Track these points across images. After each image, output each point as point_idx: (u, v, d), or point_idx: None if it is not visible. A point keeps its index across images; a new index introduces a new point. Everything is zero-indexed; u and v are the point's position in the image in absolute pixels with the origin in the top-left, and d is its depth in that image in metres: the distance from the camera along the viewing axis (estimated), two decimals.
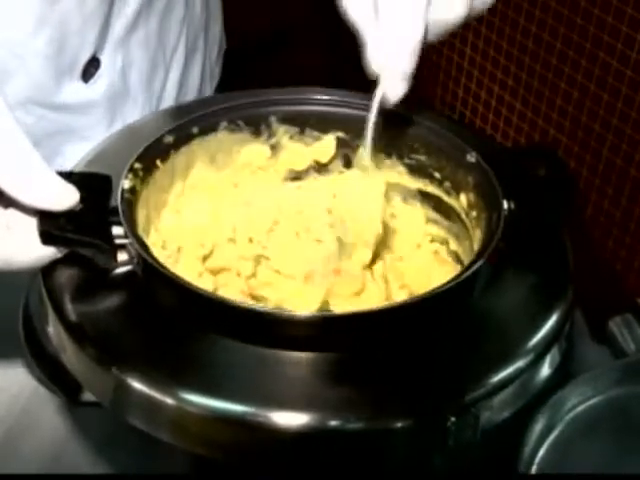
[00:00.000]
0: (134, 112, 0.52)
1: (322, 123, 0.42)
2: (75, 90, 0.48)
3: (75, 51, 0.47)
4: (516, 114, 0.92)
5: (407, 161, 0.42)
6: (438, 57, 1.00)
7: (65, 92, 0.48)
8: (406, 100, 0.36)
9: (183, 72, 0.56)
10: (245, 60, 0.88)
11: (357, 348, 0.33)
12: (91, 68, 0.49)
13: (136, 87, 0.52)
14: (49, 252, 0.33)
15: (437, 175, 0.41)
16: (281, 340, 0.32)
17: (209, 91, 0.62)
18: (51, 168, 0.32)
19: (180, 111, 0.44)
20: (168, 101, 0.56)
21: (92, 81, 0.49)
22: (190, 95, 0.59)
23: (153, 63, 0.53)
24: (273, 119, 0.42)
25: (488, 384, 0.31)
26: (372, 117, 0.37)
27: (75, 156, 0.44)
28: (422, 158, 0.41)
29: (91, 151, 0.41)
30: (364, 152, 0.38)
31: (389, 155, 0.42)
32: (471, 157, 0.39)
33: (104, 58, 0.49)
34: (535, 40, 0.86)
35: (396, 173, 0.42)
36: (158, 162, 0.39)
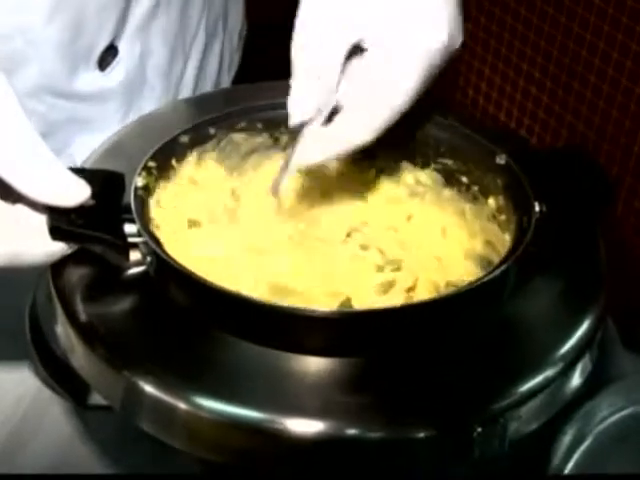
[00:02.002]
0: (151, 102, 0.52)
1: None
2: (90, 79, 0.48)
3: (91, 38, 0.47)
4: (542, 108, 0.91)
5: (434, 166, 0.42)
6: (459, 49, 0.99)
7: (80, 81, 0.48)
8: (429, 100, 0.37)
9: (202, 59, 0.56)
10: (266, 42, 0.88)
11: (377, 353, 0.33)
12: (108, 56, 0.49)
13: (154, 76, 0.52)
14: (58, 248, 0.33)
15: (465, 180, 0.41)
16: (299, 343, 0.32)
17: (227, 80, 0.61)
18: (62, 163, 0.32)
19: (199, 103, 0.45)
20: (186, 90, 0.56)
21: (109, 70, 0.49)
22: (208, 84, 0.58)
23: (173, 51, 0.53)
24: None
25: (516, 393, 0.32)
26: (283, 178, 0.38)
27: (87, 146, 0.44)
28: (449, 162, 0.42)
29: (105, 142, 0.42)
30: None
31: (414, 163, 0.43)
32: (500, 159, 0.39)
33: (122, 46, 0.49)
34: (564, 31, 0.85)
35: (421, 187, 0.42)
36: (173, 162, 0.39)
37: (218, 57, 0.59)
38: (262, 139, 0.42)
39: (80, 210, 0.32)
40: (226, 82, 0.62)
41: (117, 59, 0.49)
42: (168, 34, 0.52)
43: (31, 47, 0.45)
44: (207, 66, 0.58)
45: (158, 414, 0.32)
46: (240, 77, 0.63)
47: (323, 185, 0.42)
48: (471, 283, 0.33)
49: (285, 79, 0.38)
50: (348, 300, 0.36)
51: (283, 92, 0.41)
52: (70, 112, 0.49)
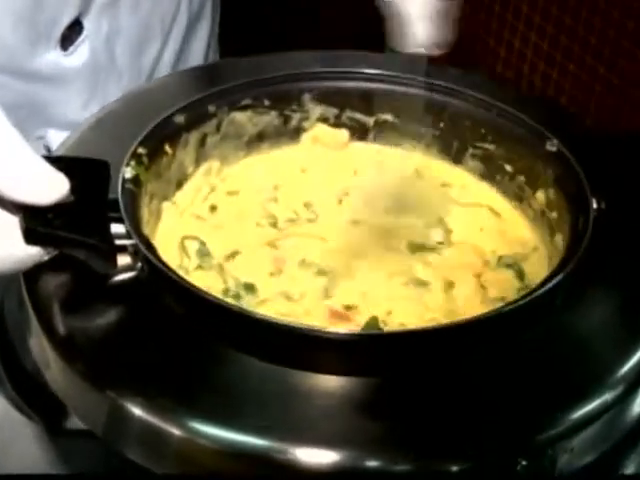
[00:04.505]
0: (118, 87, 0.53)
1: (366, 102, 0.43)
2: (50, 58, 0.49)
3: (54, 11, 0.48)
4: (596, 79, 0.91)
5: (472, 151, 0.42)
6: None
7: (38, 59, 0.49)
8: (466, 75, 0.37)
9: (183, 44, 0.57)
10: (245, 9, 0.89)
11: (403, 372, 0.33)
12: (72, 34, 0.50)
13: (123, 60, 0.53)
14: (34, 253, 0.33)
15: (508, 168, 0.41)
16: (312, 361, 0.33)
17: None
18: (36, 152, 0.32)
19: (196, 75, 0.45)
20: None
21: (72, 49, 0.50)
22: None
23: (145, 32, 0.54)
24: (307, 97, 0.43)
25: (567, 420, 0.32)
26: None
27: (40, 135, 0.45)
28: (490, 147, 0.42)
29: (84, 123, 0.42)
30: None
31: (448, 148, 0.43)
32: (551, 145, 0.39)
33: (88, 23, 0.50)
34: None
35: (454, 176, 0.43)
36: (167, 147, 0.40)
37: (205, 41, 0.60)
38: (270, 118, 0.43)
39: (58, 208, 0.32)
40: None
41: (82, 37, 0.50)
42: (139, 11, 0.53)
43: None
44: (190, 51, 0.59)
45: (147, 441, 0.32)
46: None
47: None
48: (516, 300, 0.34)
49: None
50: (374, 320, 0.36)
51: (291, 64, 0.42)
52: (24, 95, 0.49)
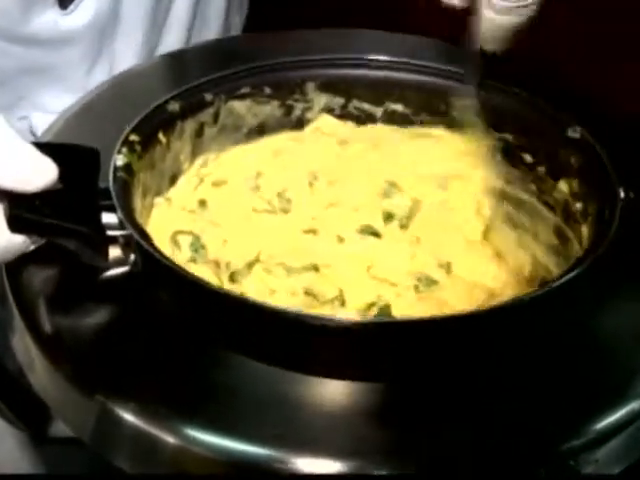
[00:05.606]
0: (126, 49, 0.52)
1: (374, 91, 0.43)
2: (49, 19, 0.49)
3: None
4: None
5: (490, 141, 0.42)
6: None
7: (36, 21, 0.48)
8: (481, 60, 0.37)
9: None
10: None
11: (413, 376, 0.33)
12: None
13: (131, 16, 0.52)
14: (18, 242, 0.34)
15: (529, 158, 0.41)
16: (318, 363, 0.33)
17: (238, 26, 0.61)
18: (21, 136, 0.32)
19: (192, 57, 0.44)
20: (176, 36, 0.55)
21: (72, 7, 0.49)
22: (210, 30, 0.58)
23: None
24: (311, 86, 0.43)
25: (592, 430, 0.32)
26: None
27: (44, 106, 0.44)
28: (509, 137, 0.42)
29: (72, 107, 0.42)
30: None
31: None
32: (574, 132, 0.39)
33: None
34: None
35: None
36: (161, 135, 0.40)
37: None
38: (270, 108, 0.43)
39: (46, 196, 0.32)
40: (237, 28, 0.61)
41: None
42: None
43: None
44: (208, 7, 0.57)
45: (140, 449, 0.32)
46: (253, 22, 0.63)
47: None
48: (533, 291, 0.34)
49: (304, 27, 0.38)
50: (387, 307, 0.36)
51: (297, 44, 0.41)
52: (23, 60, 0.49)
